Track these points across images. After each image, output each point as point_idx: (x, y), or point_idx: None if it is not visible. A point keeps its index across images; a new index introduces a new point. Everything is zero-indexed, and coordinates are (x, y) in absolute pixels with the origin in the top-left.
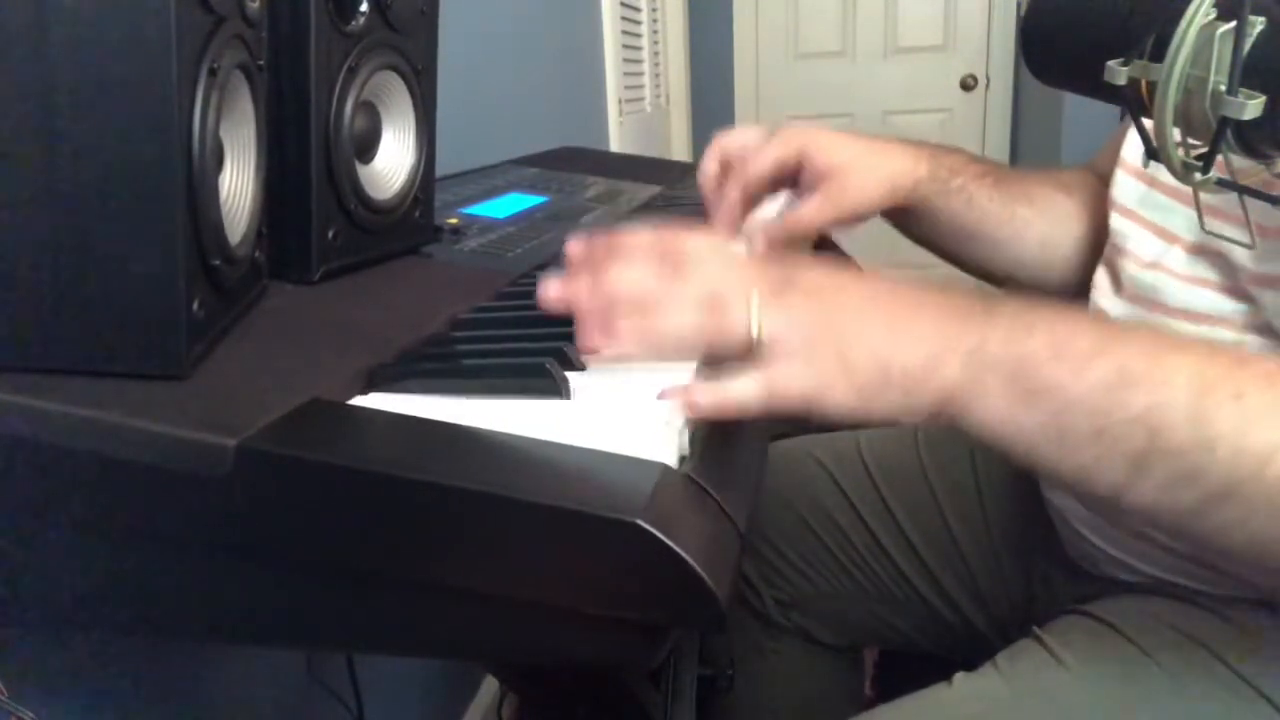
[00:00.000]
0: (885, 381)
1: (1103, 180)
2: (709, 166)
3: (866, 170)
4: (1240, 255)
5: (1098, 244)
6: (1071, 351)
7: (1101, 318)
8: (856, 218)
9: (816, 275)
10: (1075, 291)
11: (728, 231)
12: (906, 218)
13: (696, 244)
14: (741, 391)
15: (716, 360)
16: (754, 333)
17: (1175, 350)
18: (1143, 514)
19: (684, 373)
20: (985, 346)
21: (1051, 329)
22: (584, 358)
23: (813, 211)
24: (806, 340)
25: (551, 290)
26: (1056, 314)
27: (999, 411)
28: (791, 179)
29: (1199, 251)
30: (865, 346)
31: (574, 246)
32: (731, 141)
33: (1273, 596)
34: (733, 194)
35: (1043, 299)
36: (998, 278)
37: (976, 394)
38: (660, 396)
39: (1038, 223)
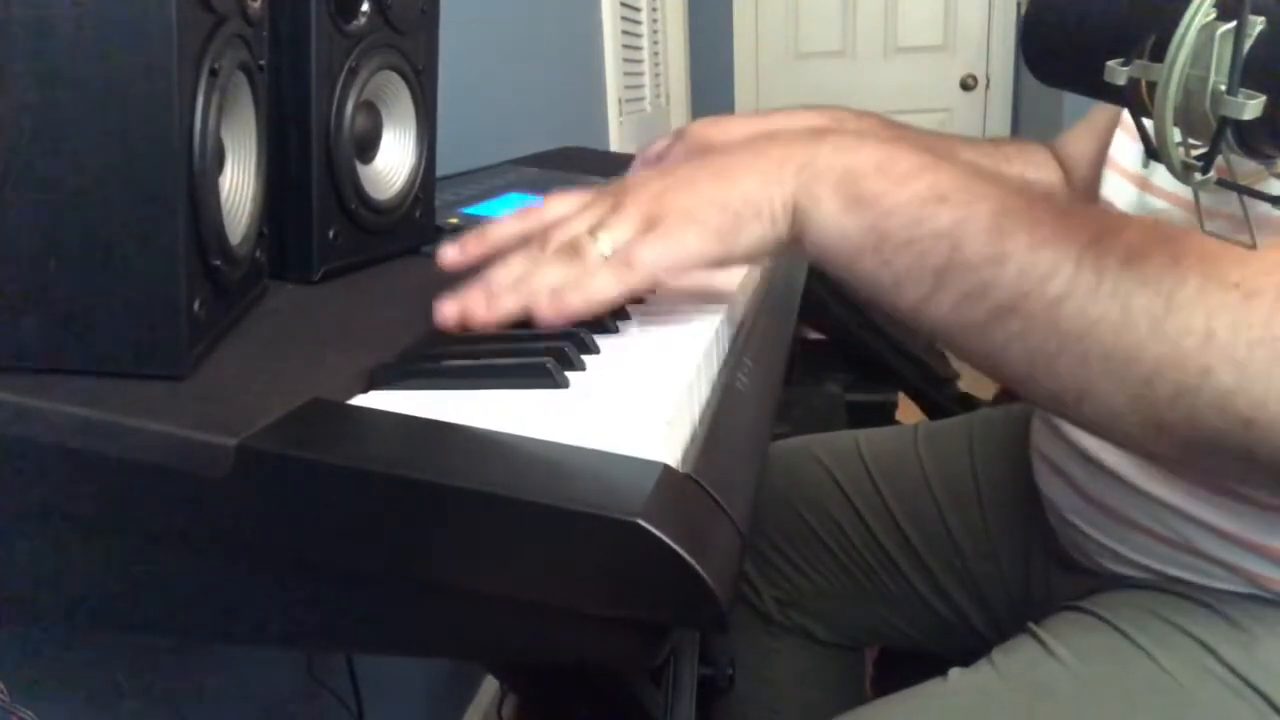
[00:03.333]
0: (734, 217)
1: (1061, 161)
2: None
3: None
4: None
5: None
6: (894, 167)
7: (929, 145)
8: None
9: (643, 179)
10: None
11: None
12: None
13: (553, 205)
14: (601, 284)
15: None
16: (593, 241)
17: (989, 179)
18: (936, 329)
19: (690, 372)
20: (816, 160)
21: (878, 148)
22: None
23: None
24: (646, 221)
25: (450, 314)
26: (886, 140)
27: (828, 218)
28: None
29: None
30: (701, 198)
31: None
32: (651, 150)
33: (1262, 585)
34: None
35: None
36: None
37: (811, 201)
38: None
39: None
